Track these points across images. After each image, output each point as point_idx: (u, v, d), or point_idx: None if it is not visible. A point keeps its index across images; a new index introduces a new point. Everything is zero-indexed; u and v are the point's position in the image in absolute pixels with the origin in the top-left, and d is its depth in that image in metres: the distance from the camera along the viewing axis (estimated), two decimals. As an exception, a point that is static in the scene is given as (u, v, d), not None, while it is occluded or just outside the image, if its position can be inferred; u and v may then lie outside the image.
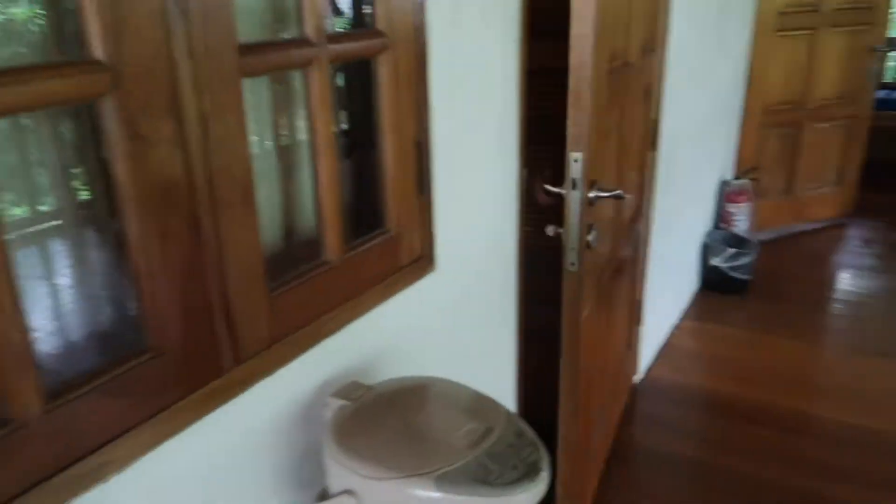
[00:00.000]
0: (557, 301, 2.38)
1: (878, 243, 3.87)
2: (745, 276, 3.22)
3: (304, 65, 0.92)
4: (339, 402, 0.93)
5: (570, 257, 1.35)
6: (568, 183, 1.30)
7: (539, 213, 2.04)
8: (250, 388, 0.90)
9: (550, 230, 1.39)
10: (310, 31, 0.91)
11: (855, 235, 3.96)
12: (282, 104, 1.09)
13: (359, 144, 1.21)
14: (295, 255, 1.04)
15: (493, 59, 1.30)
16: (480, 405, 0.93)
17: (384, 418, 0.90)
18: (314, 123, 0.95)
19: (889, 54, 4.96)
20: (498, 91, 1.34)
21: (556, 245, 2.60)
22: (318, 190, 0.98)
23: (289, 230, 1.10)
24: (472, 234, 1.34)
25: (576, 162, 1.29)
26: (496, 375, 1.53)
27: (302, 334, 0.96)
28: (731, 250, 3.19)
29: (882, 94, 4.77)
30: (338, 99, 1.35)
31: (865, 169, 3.97)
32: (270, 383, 0.92)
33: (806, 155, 3.81)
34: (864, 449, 2.19)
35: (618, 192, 1.38)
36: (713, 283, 3.26)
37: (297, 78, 1.04)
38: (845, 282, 3.50)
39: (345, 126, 1.37)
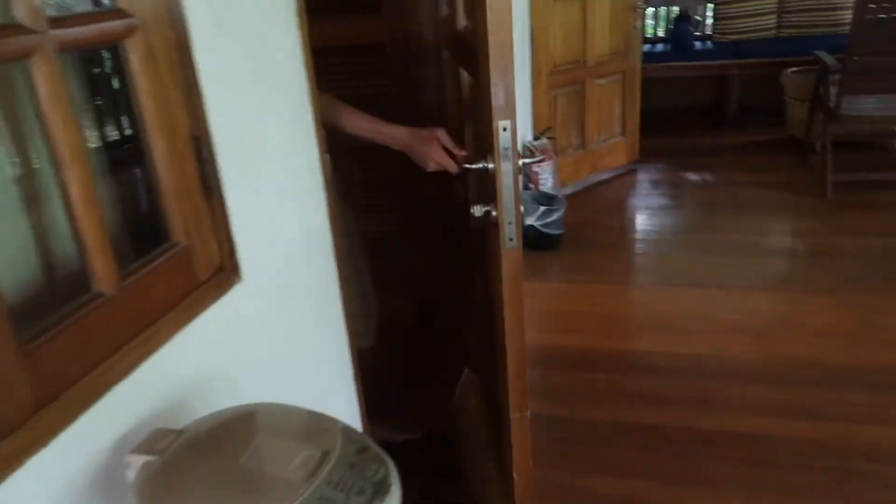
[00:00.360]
0: (396, 286, 2.31)
1: (664, 184, 4.25)
2: (557, 231, 3.36)
3: (23, 56, 0.74)
4: (142, 459, 0.77)
5: (509, 233, 1.25)
6: (497, 154, 1.20)
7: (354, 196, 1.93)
8: (20, 469, 0.71)
9: (478, 210, 1.29)
10: (22, 14, 0.73)
11: (644, 179, 4.31)
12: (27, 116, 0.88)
13: (135, 152, 1.02)
14: (57, 294, 0.85)
15: (271, 35, 1.17)
16: (314, 426, 0.82)
17: (200, 466, 0.76)
18: (50, 129, 0.76)
19: (647, 11, 5.43)
20: (285, 72, 1.21)
21: (386, 230, 2.52)
22: (72, 210, 0.80)
23: (47, 265, 0.90)
24: (278, 233, 1.20)
25: (504, 131, 1.19)
26: (333, 383, 1.42)
27: (80, 388, 0.79)
28: (542, 208, 3.31)
29: (646, 48, 5.23)
30: (104, 103, 1.15)
31: (642, 118, 4.33)
32: (47, 456, 0.74)
33: (592, 110, 4.06)
34: (685, 374, 2.37)
35: (541, 157, 1.31)
36: (530, 242, 3.37)
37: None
38: (643, 222, 3.80)
39: (117, 135, 1.18)
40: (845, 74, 3.48)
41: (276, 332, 1.19)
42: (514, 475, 1.53)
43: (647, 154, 4.41)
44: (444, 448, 2.11)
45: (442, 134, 1.48)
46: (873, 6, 3.30)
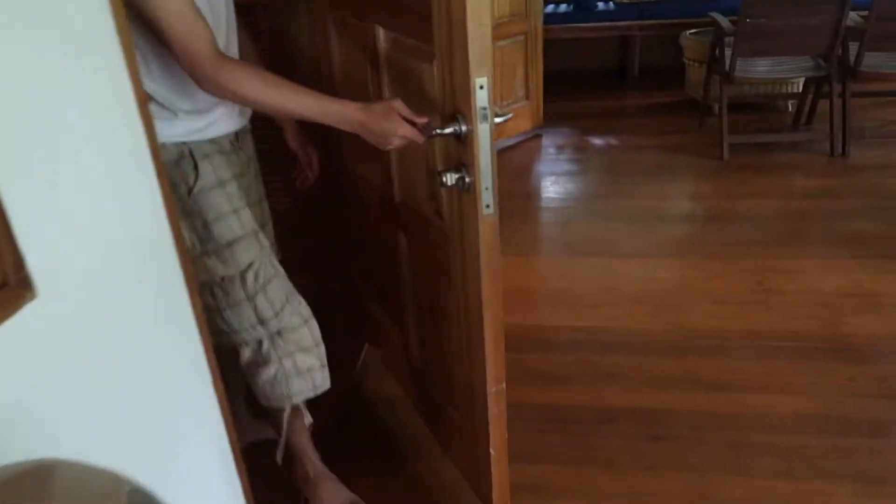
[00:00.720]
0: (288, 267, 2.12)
1: (568, 149, 4.19)
2: (460, 203, 3.24)
3: None
4: None
5: (486, 199, 1.18)
6: (475, 115, 1.12)
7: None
8: None
9: (450, 178, 1.20)
10: None
11: (549, 144, 4.25)
12: None
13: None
14: None
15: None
16: (96, 490, 0.66)
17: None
18: None
19: (549, -30, 5.32)
20: (88, 39, 0.99)
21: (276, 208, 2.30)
22: None
23: None
24: (92, 236, 1.01)
25: (482, 88, 1.11)
26: (184, 406, 1.24)
27: None
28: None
29: (549, 8, 5.13)
30: None
31: (546, 80, 4.24)
32: None
33: (494, 73, 3.89)
34: (587, 348, 2.33)
35: (510, 114, 1.23)
36: (432, 216, 3.24)
37: None
38: (548, 189, 3.74)
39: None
40: (738, 37, 3.48)
41: (91, 356, 1.00)
42: (491, 451, 1.48)
43: (551, 118, 4.34)
44: (339, 440, 1.98)
45: (399, 104, 1.28)
46: (765, -33, 3.30)
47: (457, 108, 1.20)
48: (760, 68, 3.67)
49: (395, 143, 1.28)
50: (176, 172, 1.39)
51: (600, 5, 5.16)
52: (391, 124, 1.27)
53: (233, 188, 1.47)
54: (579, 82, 5.27)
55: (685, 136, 4.11)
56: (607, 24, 5.01)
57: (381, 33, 1.53)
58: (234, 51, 1.49)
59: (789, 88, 4.25)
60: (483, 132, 1.16)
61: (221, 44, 1.40)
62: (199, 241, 1.44)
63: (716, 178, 3.55)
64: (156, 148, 1.15)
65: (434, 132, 1.25)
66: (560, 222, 3.34)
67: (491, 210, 1.22)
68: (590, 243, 3.06)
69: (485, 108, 1.13)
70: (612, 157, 4.06)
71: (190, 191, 1.41)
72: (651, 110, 4.67)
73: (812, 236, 2.93)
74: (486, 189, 1.19)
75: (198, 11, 1.24)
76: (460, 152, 1.22)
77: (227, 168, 1.46)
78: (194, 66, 1.24)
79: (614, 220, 3.23)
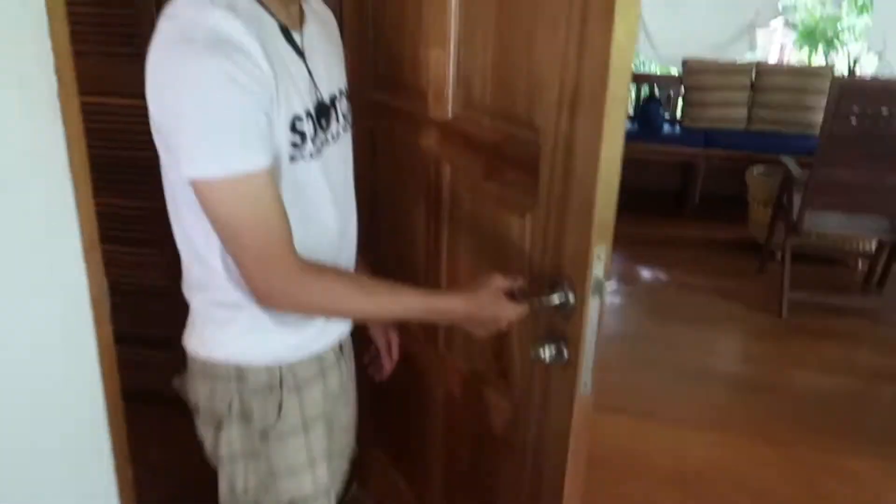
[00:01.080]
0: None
1: (614, 278, 3.96)
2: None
3: None
4: None
5: (585, 378, 1.08)
6: (588, 286, 1.00)
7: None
8: None
9: (547, 353, 1.07)
10: None
11: (595, 268, 4.02)
12: None
13: None
14: None
15: None
16: None
17: None
18: None
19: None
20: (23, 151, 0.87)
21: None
22: None
23: None
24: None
25: (599, 259, 0.98)
26: None
27: None
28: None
29: (614, 126, 5.00)
30: None
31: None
32: None
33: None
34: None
35: (612, 282, 1.06)
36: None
37: None
38: (586, 322, 3.49)
39: None
40: (809, 189, 3.25)
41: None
42: None
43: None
44: None
45: (500, 281, 1.10)
46: (843, 118, 3.09)
47: (562, 274, 1.06)
48: (830, 223, 3.41)
49: (503, 327, 1.11)
50: (258, 403, 1.09)
51: (666, 128, 5.02)
52: (499, 309, 1.09)
53: (318, 431, 1.16)
54: (634, 203, 5.04)
55: (742, 281, 3.84)
56: (670, 148, 4.86)
57: (447, 168, 1.37)
58: (352, 231, 1.22)
59: (862, 246, 3.96)
60: (594, 306, 1.02)
61: (339, 225, 1.13)
62: (257, 488, 1.13)
63: (771, 338, 3.26)
64: (100, 287, 1.00)
65: (538, 303, 1.09)
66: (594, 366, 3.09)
67: (588, 389, 1.09)
68: (622, 396, 2.78)
69: (600, 281, 1.00)
70: (659, 294, 3.81)
71: (265, 432, 1.10)
72: (708, 246, 4.42)
73: (875, 429, 2.60)
74: (587, 369, 1.06)
75: (278, 201, 0.91)
76: (561, 324, 1.08)
77: (320, 400, 1.15)
78: (268, 278, 0.94)
79: (652, 372, 2.96)
